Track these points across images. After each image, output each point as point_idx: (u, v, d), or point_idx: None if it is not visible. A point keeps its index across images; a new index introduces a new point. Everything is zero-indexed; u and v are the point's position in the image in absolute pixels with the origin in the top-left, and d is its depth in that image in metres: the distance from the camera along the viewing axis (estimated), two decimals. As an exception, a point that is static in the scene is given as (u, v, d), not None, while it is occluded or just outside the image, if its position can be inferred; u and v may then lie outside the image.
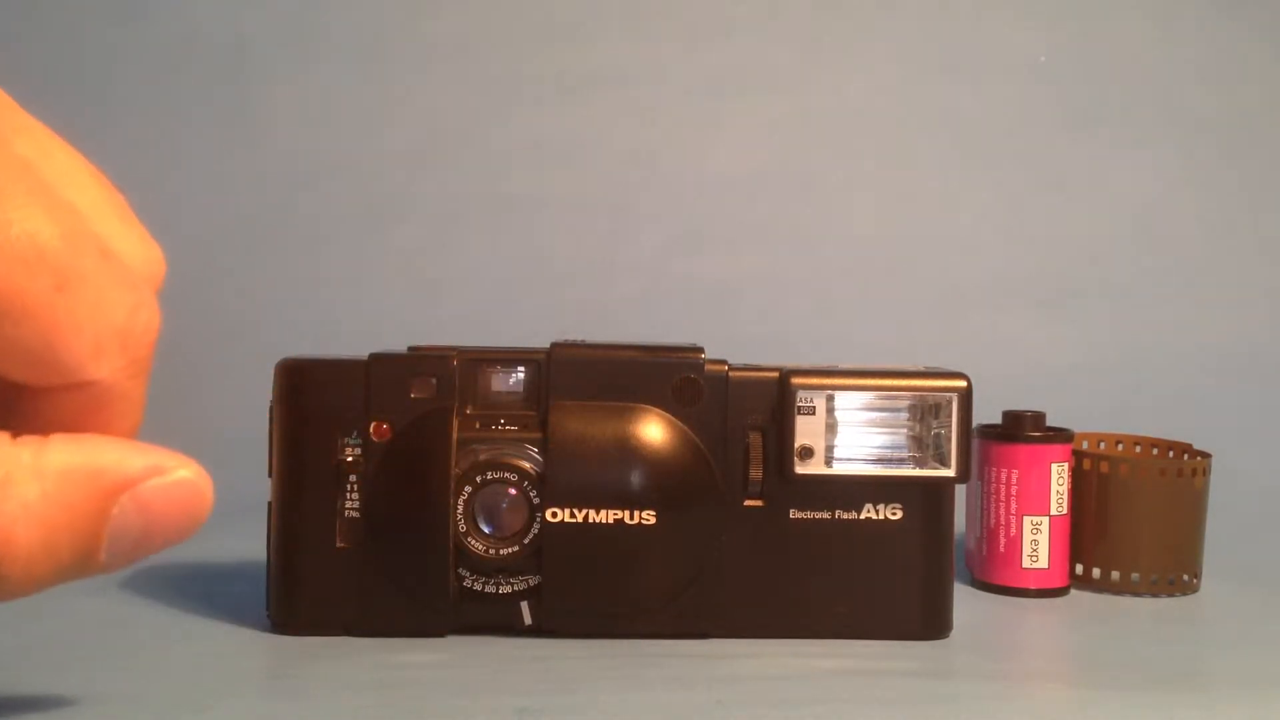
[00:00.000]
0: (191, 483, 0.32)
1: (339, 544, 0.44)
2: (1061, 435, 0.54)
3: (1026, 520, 0.54)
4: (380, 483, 0.44)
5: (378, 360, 0.45)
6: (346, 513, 0.44)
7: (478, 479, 0.44)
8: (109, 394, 0.32)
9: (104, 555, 0.31)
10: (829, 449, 0.45)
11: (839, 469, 0.45)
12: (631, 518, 0.44)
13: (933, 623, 0.47)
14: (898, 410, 0.46)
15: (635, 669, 0.42)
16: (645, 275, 0.81)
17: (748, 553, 0.46)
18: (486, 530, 0.44)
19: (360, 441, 0.44)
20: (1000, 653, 0.47)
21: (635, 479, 0.44)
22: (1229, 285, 0.83)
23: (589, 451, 0.44)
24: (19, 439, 0.29)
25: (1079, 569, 0.55)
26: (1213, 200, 0.84)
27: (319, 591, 0.45)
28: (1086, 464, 0.55)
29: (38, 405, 0.31)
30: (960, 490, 0.47)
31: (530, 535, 0.44)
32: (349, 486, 0.44)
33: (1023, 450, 0.54)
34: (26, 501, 0.29)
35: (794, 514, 0.46)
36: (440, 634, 0.45)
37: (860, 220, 0.83)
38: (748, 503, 0.46)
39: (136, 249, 0.33)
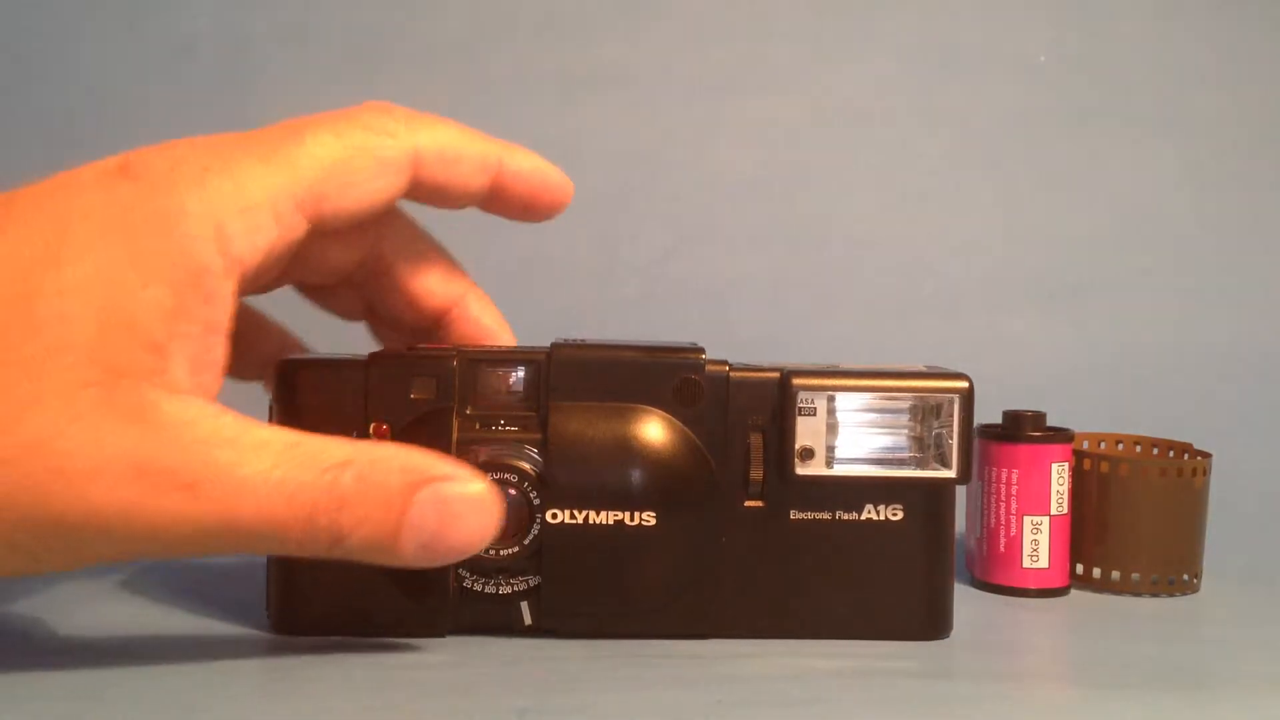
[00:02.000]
0: (486, 495, 0.37)
1: (339, 544, 0.44)
2: (1061, 435, 0.54)
3: (1027, 520, 0.54)
4: (380, 483, 0.44)
5: (377, 360, 0.45)
6: (346, 513, 0.44)
7: (478, 479, 0.44)
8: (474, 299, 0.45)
9: (403, 540, 0.36)
10: (830, 450, 0.45)
11: (840, 470, 0.45)
12: (631, 518, 0.44)
13: (933, 623, 0.47)
14: (899, 411, 0.46)
15: (635, 669, 0.42)
16: (645, 275, 0.81)
17: (748, 553, 0.46)
18: (487, 530, 0.44)
19: (360, 442, 0.44)
20: (1000, 653, 0.47)
21: (635, 480, 0.44)
22: (1229, 285, 0.83)
23: (589, 452, 0.44)
24: (355, 440, 0.38)
25: (1079, 569, 0.55)
26: (1213, 200, 0.84)
27: (319, 591, 0.45)
28: (1086, 464, 0.55)
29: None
30: (960, 490, 0.47)
31: (530, 536, 0.44)
32: (349, 487, 0.44)
33: (1023, 450, 0.54)
34: (349, 479, 0.36)
35: (794, 515, 0.46)
36: (440, 634, 0.45)
37: (860, 220, 0.82)
38: (748, 503, 0.46)
39: None
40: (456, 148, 0.42)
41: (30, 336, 0.33)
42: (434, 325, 0.46)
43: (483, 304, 0.46)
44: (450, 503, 0.36)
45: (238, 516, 0.35)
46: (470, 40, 0.82)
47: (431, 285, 0.45)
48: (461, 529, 0.37)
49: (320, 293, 0.47)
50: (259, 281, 0.39)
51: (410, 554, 0.36)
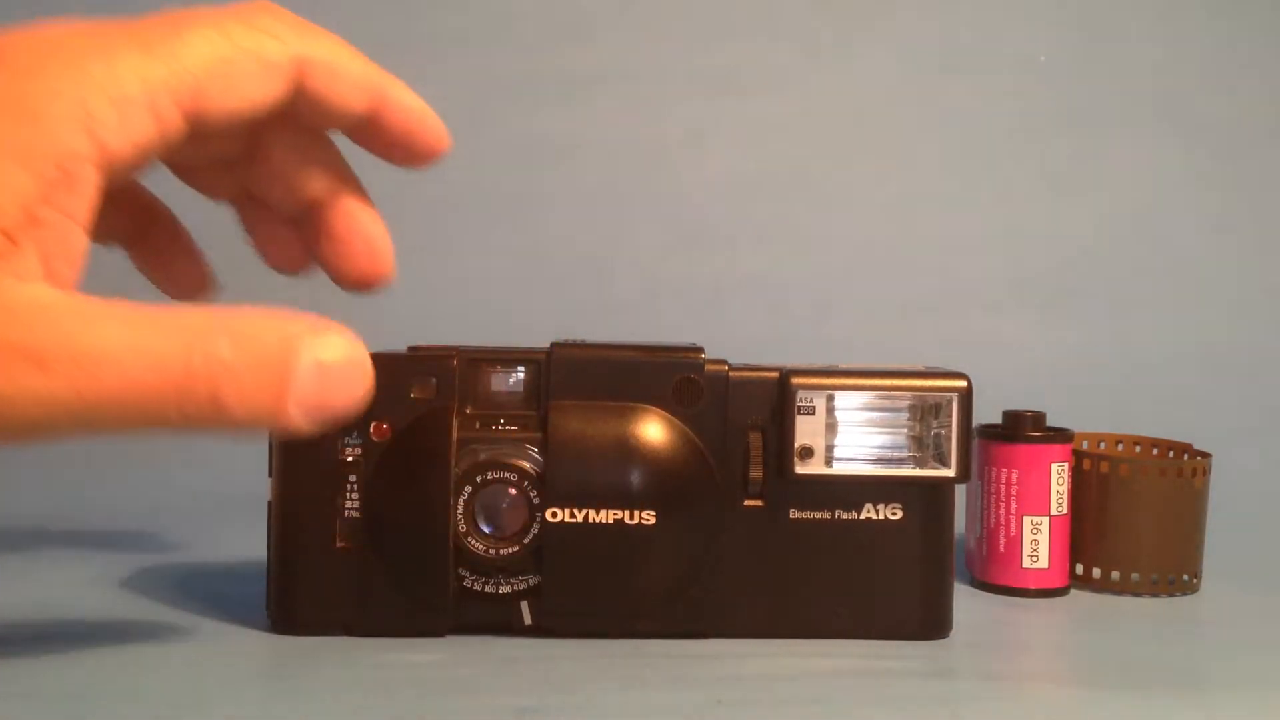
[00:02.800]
0: (359, 352, 0.36)
1: (339, 544, 0.44)
2: (1061, 435, 0.54)
3: (1026, 520, 0.54)
4: (380, 483, 0.44)
5: (377, 360, 0.44)
6: (346, 513, 0.44)
7: (478, 479, 0.44)
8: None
9: (290, 406, 0.34)
10: (829, 449, 0.45)
11: (839, 469, 0.45)
12: (631, 518, 0.44)
13: (933, 623, 0.47)
14: (898, 410, 0.46)
15: (635, 669, 0.42)
16: (645, 275, 0.81)
17: (747, 553, 0.46)
18: (486, 530, 0.44)
19: (360, 441, 0.44)
20: (1000, 653, 0.47)
21: (635, 479, 0.44)
22: (1229, 285, 0.83)
23: (589, 451, 0.44)
24: (213, 307, 0.34)
25: (1079, 569, 0.55)
26: (1213, 200, 0.84)
27: (319, 591, 0.45)
28: (1086, 464, 0.55)
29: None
30: (960, 490, 0.47)
31: (530, 535, 0.44)
32: (349, 486, 0.44)
33: (1023, 450, 0.54)
34: (225, 346, 0.33)
35: (794, 514, 0.46)
36: (440, 634, 0.45)
37: (860, 220, 0.83)
38: (748, 503, 0.46)
39: None
40: (342, 63, 0.40)
41: None
42: (308, 213, 0.43)
43: (365, 207, 0.43)
44: (329, 366, 0.35)
45: (98, 390, 0.32)
46: (470, 40, 0.82)
47: (312, 172, 0.42)
48: (343, 391, 0.35)
49: (187, 171, 0.43)
50: (129, 176, 0.37)
51: (297, 420, 0.34)
